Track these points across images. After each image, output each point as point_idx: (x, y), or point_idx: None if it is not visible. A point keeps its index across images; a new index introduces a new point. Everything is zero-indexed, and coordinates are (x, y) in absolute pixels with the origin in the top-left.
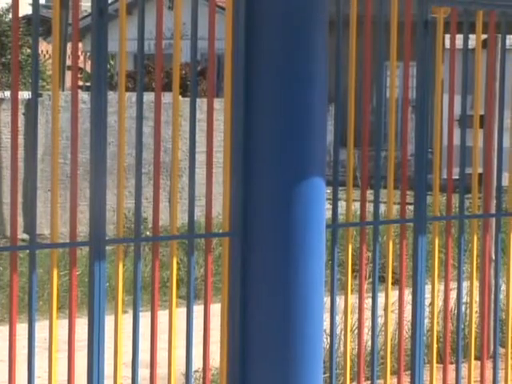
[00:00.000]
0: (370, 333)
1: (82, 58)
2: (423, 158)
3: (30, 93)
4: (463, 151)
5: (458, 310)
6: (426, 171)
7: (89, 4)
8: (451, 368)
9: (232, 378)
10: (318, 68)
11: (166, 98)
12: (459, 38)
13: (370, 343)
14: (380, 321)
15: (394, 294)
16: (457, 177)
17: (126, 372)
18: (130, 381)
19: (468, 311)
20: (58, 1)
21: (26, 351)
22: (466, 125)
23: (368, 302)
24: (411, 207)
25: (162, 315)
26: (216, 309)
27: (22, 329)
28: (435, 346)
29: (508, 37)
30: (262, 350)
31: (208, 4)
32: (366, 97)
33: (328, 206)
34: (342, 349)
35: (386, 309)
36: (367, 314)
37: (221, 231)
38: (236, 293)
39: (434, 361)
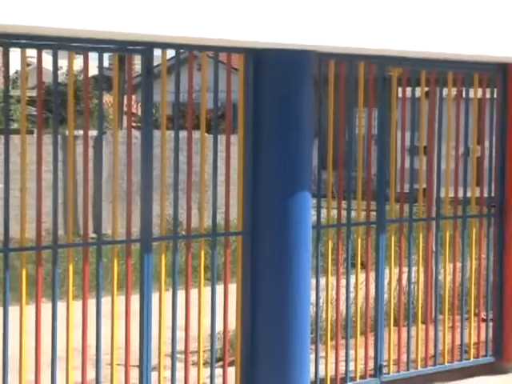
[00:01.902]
0: (344, 304)
1: (134, 106)
2: (383, 177)
3: (97, 131)
4: (412, 172)
5: (409, 288)
6: (385, 186)
7: (139, 67)
8: (404, 330)
9: (245, 338)
10: (306, 113)
11: (196, 134)
12: (409, 90)
13: (344, 312)
14: (352, 295)
15: (361, 276)
16: (407, 191)
17: (167, 334)
18: (170, 340)
19: (416, 288)
20: (117, 64)
21: (94, 319)
22: (414, 153)
23: (343, 281)
24: (374, 213)
25: (194, 292)
26: (233, 288)
27: (91, 303)
28: (392, 313)
29: (444, 89)
30: (266, 318)
31: (225, 67)
32: (341, 133)
33: (313, 212)
34: (324, 316)
35: (356, 287)
36: (342, 290)
37: (236, 231)
38: (247, 276)
39: (392, 324)
